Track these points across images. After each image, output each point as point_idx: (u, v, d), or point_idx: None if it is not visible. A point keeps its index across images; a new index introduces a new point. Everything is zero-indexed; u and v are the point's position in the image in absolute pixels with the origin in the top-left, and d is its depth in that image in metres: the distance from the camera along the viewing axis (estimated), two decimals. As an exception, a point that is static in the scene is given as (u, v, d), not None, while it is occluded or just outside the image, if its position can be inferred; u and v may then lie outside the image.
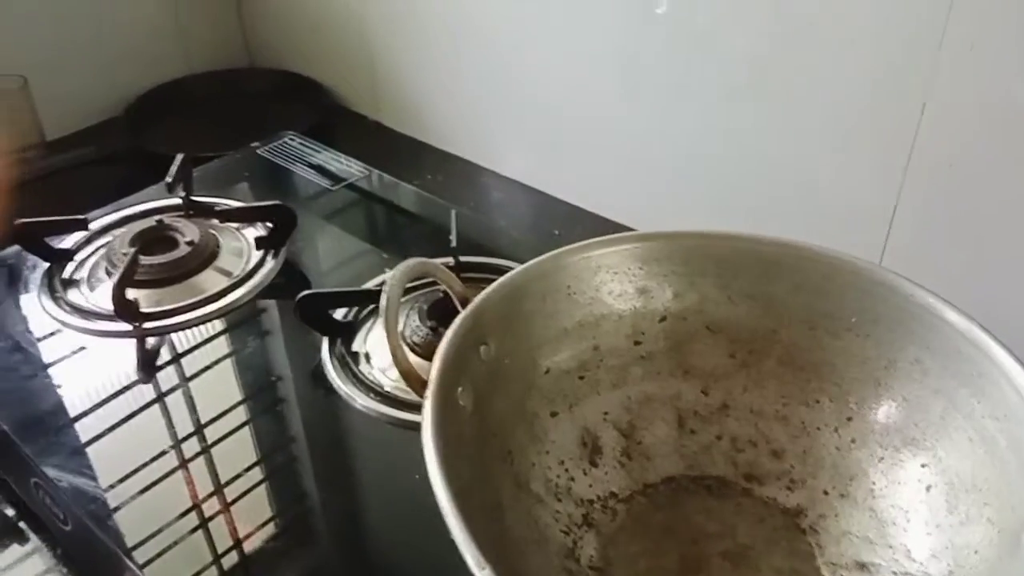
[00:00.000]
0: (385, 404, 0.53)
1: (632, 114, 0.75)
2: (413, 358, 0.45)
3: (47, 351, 0.58)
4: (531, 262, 0.43)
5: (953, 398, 0.39)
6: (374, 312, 0.61)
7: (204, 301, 0.61)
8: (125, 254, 0.60)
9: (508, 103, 0.86)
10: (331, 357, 0.57)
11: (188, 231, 0.64)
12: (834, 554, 0.41)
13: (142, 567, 0.44)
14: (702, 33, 0.67)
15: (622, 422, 0.45)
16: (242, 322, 0.61)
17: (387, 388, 0.54)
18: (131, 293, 0.58)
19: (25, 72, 0.86)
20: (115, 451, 0.51)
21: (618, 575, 0.40)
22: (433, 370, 0.37)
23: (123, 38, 0.99)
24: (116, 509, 0.47)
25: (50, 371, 0.57)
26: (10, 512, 0.57)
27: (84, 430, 0.52)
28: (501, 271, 0.63)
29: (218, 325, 0.60)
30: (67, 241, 0.67)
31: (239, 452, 0.52)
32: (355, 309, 0.60)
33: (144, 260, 0.61)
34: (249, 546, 0.46)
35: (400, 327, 0.56)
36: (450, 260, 0.63)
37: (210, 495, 0.48)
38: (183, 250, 0.63)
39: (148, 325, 0.59)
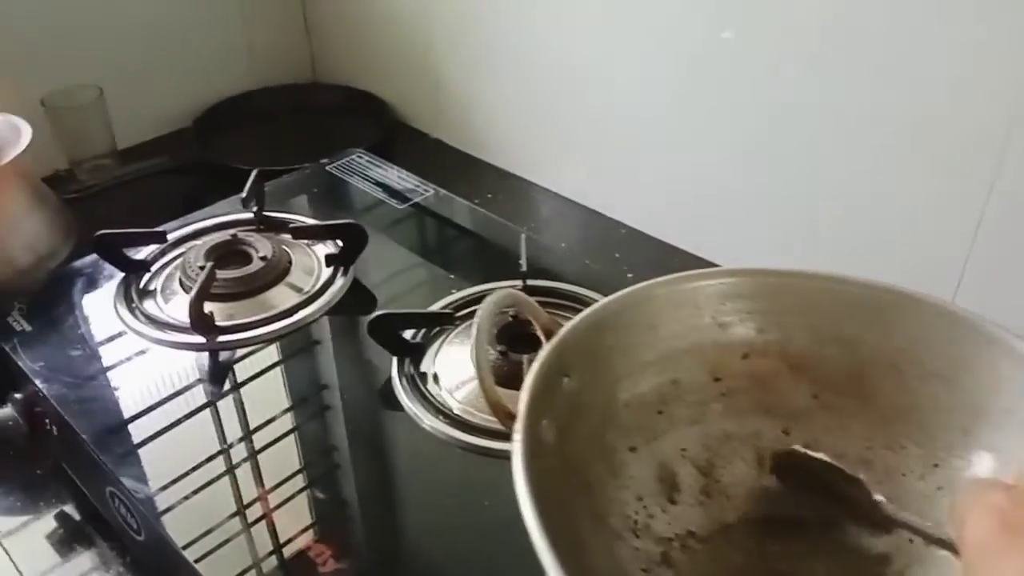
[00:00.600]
0: (453, 426, 0.53)
1: (696, 141, 0.75)
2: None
3: (122, 361, 0.59)
4: (616, 294, 0.43)
5: (1048, 451, 0.38)
6: (442, 333, 0.61)
7: (276, 317, 0.61)
8: (201, 267, 0.61)
9: (569, 124, 0.86)
10: (400, 377, 0.57)
11: (261, 246, 0.65)
12: (920, 604, 0.40)
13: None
14: (767, 62, 0.67)
15: (700, 459, 0.44)
16: (313, 339, 0.62)
17: (455, 410, 0.54)
18: (206, 307, 0.59)
19: (101, 83, 0.88)
20: (187, 463, 0.51)
21: (696, 616, 0.40)
22: (521, 403, 0.37)
23: (193, 51, 1.02)
24: (189, 523, 0.48)
25: (127, 381, 0.58)
26: (77, 517, 0.58)
27: (160, 442, 0.53)
28: (567, 296, 0.64)
29: (289, 341, 0.61)
30: (143, 252, 0.68)
31: (300, 466, 0.52)
32: (423, 330, 0.61)
33: (219, 274, 0.62)
34: (326, 567, 0.46)
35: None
36: (518, 283, 0.63)
37: (273, 509, 0.49)
38: (256, 265, 0.64)
39: (222, 339, 0.60)
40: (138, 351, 0.60)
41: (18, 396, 0.59)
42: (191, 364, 0.59)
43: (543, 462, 0.37)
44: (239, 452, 0.52)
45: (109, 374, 0.58)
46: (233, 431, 0.54)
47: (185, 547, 0.46)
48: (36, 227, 0.72)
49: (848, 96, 0.63)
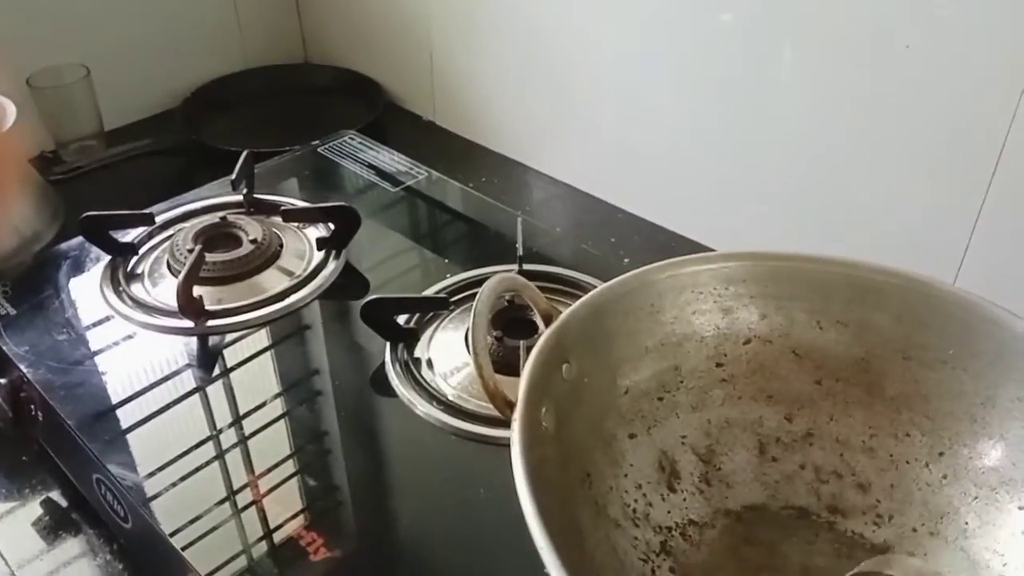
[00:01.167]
0: (447, 413, 0.52)
1: (694, 125, 0.74)
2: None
3: (109, 345, 0.58)
4: (617, 279, 0.42)
5: (1058, 440, 0.38)
6: (437, 318, 0.60)
7: (266, 301, 0.60)
8: (190, 250, 0.60)
9: (565, 108, 0.85)
10: (393, 362, 0.56)
11: (251, 229, 0.64)
12: (923, 595, 0.39)
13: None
14: (767, 45, 0.66)
15: (700, 447, 0.43)
16: (304, 324, 0.60)
17: (450, 397, 0.53)
18: (195, 291, 0.58)
19: (88, 62, 0.87)
20: (176, 449, 0.50)
21: (696, 606, 0.39)
22: (520, 391, 0.36)
23: (182, 31, 0.99)
24: (178, 510, 0.47)
25: (114, 366, 0.56)
26: (64, 504, 0.57)
27: (148, 428, 0.52)
28: (563, 280, 0.62)
29: (280, 326, 0.60)
30: (130, 235, 0.66)
31: (291, 452, 0.51)
32: (417, 315, 0.59)
33: (208, 257, 0.60)
34: (317, 556, 0.45)
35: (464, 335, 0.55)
36: (514, 267, 0.62)
37: (263, 496, 0.48)
38: (246, 248, 0.63)
39: (211, 323, 0.58)
40: (125, 335, 0.59)
41: (2, 381, 0.58)
42: (179, 349, 0.57)
43: (541, 450, 0.36)
44: (228, 438, 0.51)
45: (95, 359, 0.57)
46: (222, 417, 0.53)
47: (173, 534, 0.45)
48: (21, 209, 0.70)
49: (848, 79, 0.62)
